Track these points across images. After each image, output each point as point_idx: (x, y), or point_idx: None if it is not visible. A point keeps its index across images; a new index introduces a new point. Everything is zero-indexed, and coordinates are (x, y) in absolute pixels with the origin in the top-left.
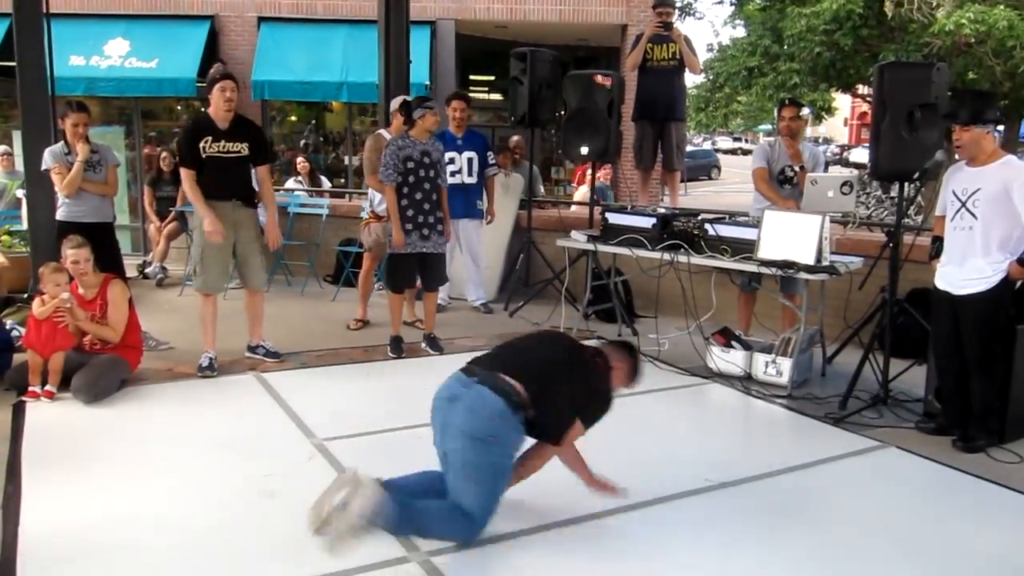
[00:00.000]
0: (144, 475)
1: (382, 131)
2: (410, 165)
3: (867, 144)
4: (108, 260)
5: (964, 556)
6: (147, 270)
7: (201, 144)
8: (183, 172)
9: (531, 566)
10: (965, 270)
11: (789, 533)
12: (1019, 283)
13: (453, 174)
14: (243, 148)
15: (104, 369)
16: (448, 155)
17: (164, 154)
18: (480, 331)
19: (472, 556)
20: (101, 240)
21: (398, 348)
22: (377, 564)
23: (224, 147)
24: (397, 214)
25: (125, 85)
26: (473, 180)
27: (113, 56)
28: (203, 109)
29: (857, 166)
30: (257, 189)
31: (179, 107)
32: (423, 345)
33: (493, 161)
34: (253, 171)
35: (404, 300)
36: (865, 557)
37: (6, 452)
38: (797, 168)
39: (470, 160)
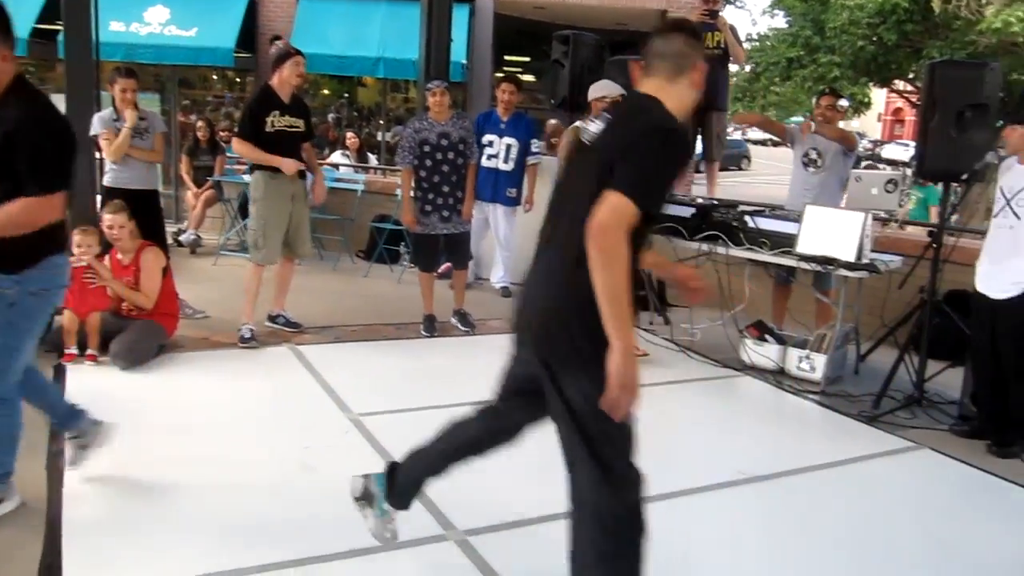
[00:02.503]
0: (184, 443)
1: (579, 123)
2: (426, 148)
3: (900, 141)
4: (151, 227)
5: (996, 557)
6: (181, 237)
7: (268, 118)
8: (240, 143)
9: (557, 550)
10: (1005, 272)
11: (820, 529)
12: None
13: (489, 157)
14: (301, 124)
15: (141, 334)
16: (487, 137)
17: (200, 123)
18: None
19: (506, 537)
20: (146, 207)
21: (431, 327)
22: (414, 541)
23: (289, 122)
24: (409, 196)
25: (164, 53)
26: (509, 167)
27: (153, 23)
28: (264, 83)
29: (889, 162)
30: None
31: (215, 77)
32: (452, 320)
33: (536, 149)
34: None
35: (434, 279)
36: (896, 556)
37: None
38: (821, 149)
39: (508, 147)
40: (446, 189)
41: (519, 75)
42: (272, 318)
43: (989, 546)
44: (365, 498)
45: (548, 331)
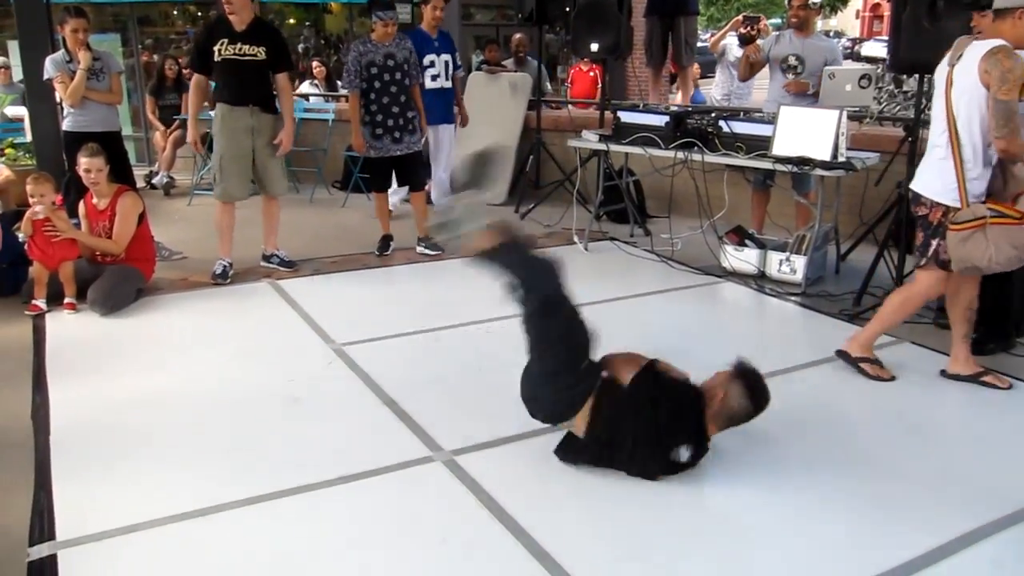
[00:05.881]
0: (168, 382)
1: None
2: (373, 71)
3: (879, 37)
4: (117, 170)
5: (973, 441)
6: (154, 180)
7: (216, 47)
8: (193, 79)
9: (543, 464)
10: None
11: (805, 428)
12: None
13: (434, 78)
14: (260, 52)
15: (118, 280)
16: (428, 58)
17: (167, 61)
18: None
19: (491, 454)
20: (109, 150)
21: (385, 246)
22: (402, 464)
23: (240, 49)
24: (357, 120)
25: None
26: (449, 84)
27: None
28: (217, 13)
29: (869, 60)
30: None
31: (175, 12)
32: (418, 248)
33: (460, 63)
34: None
35: (388, 198)
36: (878, 446)
37: (31, 363)
38: (803, 55)
39: (446, 63)
40: (396, 110)
41: None
42: (266, 258)
43: (967, 429)
44: None
45: None
